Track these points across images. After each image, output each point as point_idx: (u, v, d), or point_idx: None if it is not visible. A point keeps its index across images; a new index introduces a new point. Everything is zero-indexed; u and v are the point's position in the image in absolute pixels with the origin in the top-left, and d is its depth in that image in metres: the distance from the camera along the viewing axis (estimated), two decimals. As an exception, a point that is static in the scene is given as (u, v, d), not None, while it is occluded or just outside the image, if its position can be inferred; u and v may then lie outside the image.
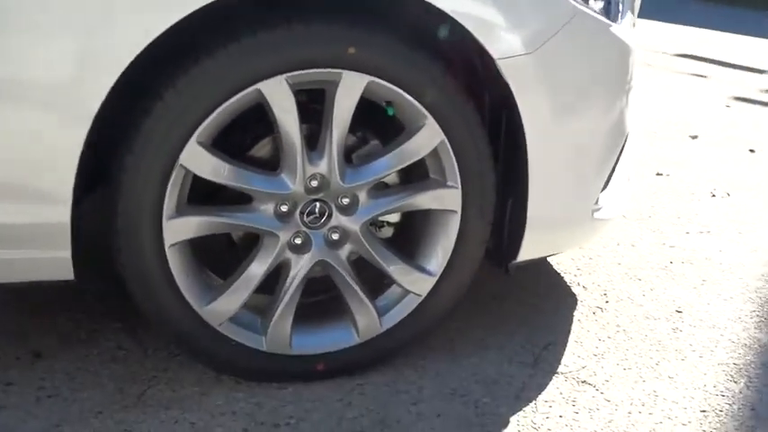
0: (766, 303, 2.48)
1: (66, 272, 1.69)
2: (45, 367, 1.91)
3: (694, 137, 4.16)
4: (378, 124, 1.89)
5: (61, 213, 1.62)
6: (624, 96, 2.03)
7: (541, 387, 1.98)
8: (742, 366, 2.12)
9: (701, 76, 5.59)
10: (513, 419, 1.85)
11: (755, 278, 2.63)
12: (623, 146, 2.10)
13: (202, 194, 1.78)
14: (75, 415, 1.75)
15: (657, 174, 3.58)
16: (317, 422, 1.78)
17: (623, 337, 2.23)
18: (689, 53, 6.30)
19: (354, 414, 1.82)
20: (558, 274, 2.55)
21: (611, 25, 1.94)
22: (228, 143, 1.77)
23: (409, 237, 1.97)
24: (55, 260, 1.67)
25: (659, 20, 7.38)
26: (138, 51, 1.54)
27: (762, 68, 5.80)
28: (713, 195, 3.36)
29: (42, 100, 1.55)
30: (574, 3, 1.85)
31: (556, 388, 1.98)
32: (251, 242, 1.85)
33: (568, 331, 2.24)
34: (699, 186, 3.45)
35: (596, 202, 2.06)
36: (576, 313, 2.33)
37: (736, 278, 2.62)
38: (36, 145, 1.56)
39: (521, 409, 1.88)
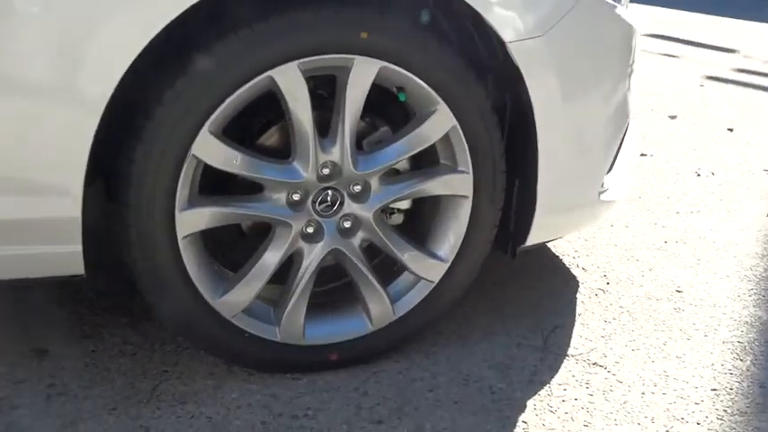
0: (762, 281, 2.50)
1: (76, 267, 1.65)
2: (52, 364, 1.87)
3: (673, 117, 4.19)
4: (386, 110, 1.86)
5: (72, 207, 1.58)
6: (628, 77, 2.03)
7: (553, 370, 1.98)
8: (746, 344, 2.14)
9: (673, 56, 5.63)
10: (529, 404, 1.84)
11: (749, 256, 2.65)
12: (627, 127, 2.11)
13: (212, 185, 1.75)
14: (89, 412, 1.72)
15: (642, 154, 3.60)
16: (334, 412, 1.77)
17: (628, 318, 2.24)
18: (660, 33, 6.35)
19: (371, 403, 1.80)
20: (557, 256, 2.56)
21: (616, 6, 1.94)
22: (236, 132, 1.74)
23: (419, 223, 1.95)
24: (66, 255, 1.63)
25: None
26: (148, 40, 1.50)
27: (732, 48, 5.86)
28: (698, 175, 3.39)
29: (51, 93, 1.50)
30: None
31: (568, 371, 1.98)
32: (261, 232, 1.82)
33: (573, 314, 2.24)
34: (683, 166, 3.48)
35: (602, 185, 2.06)
36: (578, 296, 2.34)
37: (730, 257, 2.65)
38: (46, 139, 1.52)
39: (536, 393, 1.88)
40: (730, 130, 4.04)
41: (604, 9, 1.91)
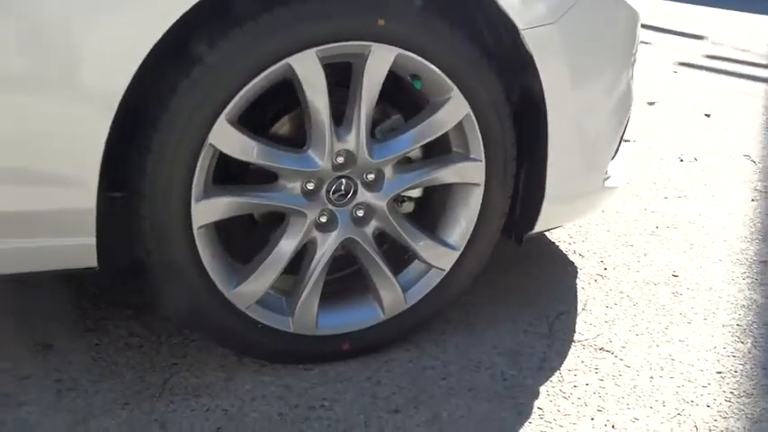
0: (754, 264, 2.55)
1: (89, 259, 1.61)
2: (58, 358, 1.83)
3: (651, 103, 4.23)
4: (396, 97, 1.85)
5: (87, 199, 1.54)
6: (633, 65, 2.04)
7: (562, 356, 1.99)
8: (745, 327, 2.18)
9: (646, 42, 5.68)
10: (542, 390, 1.86)
11: (739, 240, 2.70)
12: (629, 114, 2.12)
13: (223, 175, 1.72)
14: (100, 408, 1.69)
15: (624, 140, 3.62)
16: (350, 402, 1.76)
17: (629, 303, 2.26)
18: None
19: (386, 393, 1.80)
20: (553, 243, 2.57)
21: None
22: (248, 121, 1.71)
23: (429, 211, 1.95)
24: (80, 247, 1.59)
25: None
26: (163, 31, 1.46)
27: (702, 35, 5.94)
28: (681, 160, 3.43)
29: (67, 85, 1.46)
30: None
31: (576, 356, 1.99)
32: (273, 222, 1.80)
33: (575, 300, 2.26)
34: (666, 152, 3.52)
35: (606, 171, 2.07)
36: (578, 282, 2.36)
37: (720, 241, 2.69)
38: (61, 129, 1.48)
39: (547, 380, 1.90)
40: (707, 115, 4.10)
41: (612, -4, 1.92)
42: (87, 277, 2.07)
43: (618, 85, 1.99)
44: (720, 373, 1.98)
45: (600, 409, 1.81)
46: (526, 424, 1.74)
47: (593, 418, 1.78)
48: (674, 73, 4.95)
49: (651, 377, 1.94)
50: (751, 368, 2.00)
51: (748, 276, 2.46)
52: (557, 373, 1.92)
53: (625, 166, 2.31)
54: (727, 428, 1.77)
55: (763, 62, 5.31)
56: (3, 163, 1.47)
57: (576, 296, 2.28)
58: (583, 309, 2.20)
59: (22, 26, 1.41)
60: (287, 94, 1.69)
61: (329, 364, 1.87)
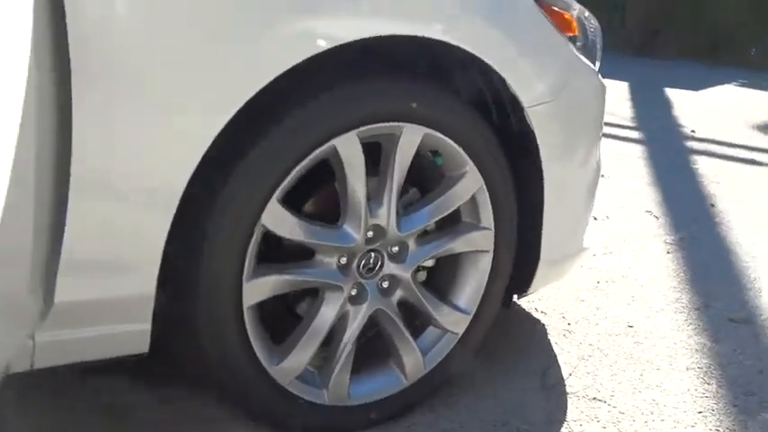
0: (691, 311, 2.81)
1: (142, 345, 1.62)
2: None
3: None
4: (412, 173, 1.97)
5: (147, 285, 1.56)
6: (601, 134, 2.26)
7: (563, 408, 2.14)
8: (706, 370, 2.41)
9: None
10: (559, 441, 1.99)
11: (671, 290, 2.97)
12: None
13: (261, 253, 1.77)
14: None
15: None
16: (389, 469, 1.82)
17: (600, 354, 2.44)
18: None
19: (420, 457, 1.88)
20: (516, 303, 2.73)
21: (596, 69, 2.16)
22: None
23: (440, 279, 2.06)
24: (133, 334, 1.60)
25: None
26: (219, 128, 1.53)
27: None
28: (595, 219, 3.71)
29: (134, 185, 1.50)
30: (575, 52, 2.05)
31: (575, 407, 2.14)
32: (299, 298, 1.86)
33: (553, 354, 2.42)
34: (578, 211, 3.79)
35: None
36: (550, 337, 2.52)
37: (655, 292, 2.94)
38: (129, 226, 1.50)
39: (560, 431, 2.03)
40: (602, 176, 4.43)
41: (589, 72, 2.13)
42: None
43: (595, 152, 2.20)
44: (701, 412, 2.18)
45: (614, 454, 1.97)
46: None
47: (611, 464, 1.93)
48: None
49: (645, 422, 2.11)
50: (724, 406, 2.22)
51: (690, 323, 2.72)
52: (565, 425, 2.06)
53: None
54: (725, 462, 1.97)
55: (631, 124, 5.81)
56: (77, 256, 1.47)
57: (553, 350, 2.44)
58: (564, 363, 2.37)
59: (103, 136, 1.44)
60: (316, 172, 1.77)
61: (357, 435, 1.93)
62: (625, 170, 4.58)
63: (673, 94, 7.28)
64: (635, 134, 5.62)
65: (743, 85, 8.13)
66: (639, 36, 9.44)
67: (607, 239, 3.44)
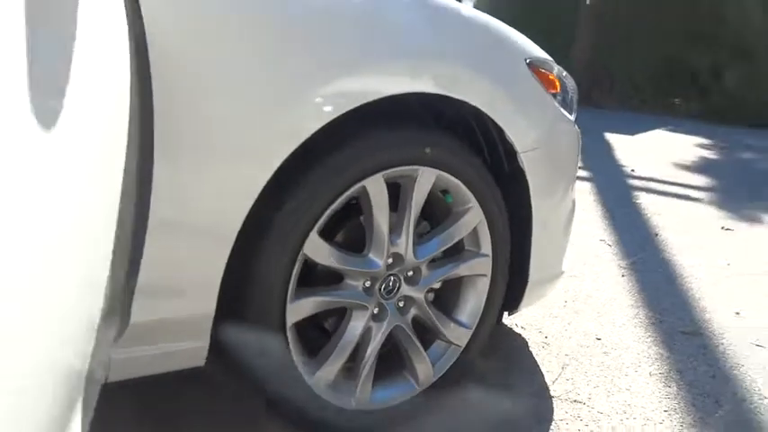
0: (647, 326, 2.93)
1: (200, 359, 1.68)
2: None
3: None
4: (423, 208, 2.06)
5: (208, 305, 1.62)
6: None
7: (549, 410, 2.23)
8: (666, 375, 2.52)
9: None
10: (549, 438, 2.08)
11: (630, 308, 3.09)
12: (573, 209, 2.45)
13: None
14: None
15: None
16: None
17: (576, 363, 2.55)
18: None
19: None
20: (499, 319, 2.83)
21: (572, 119, 2.29)
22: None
23: (445, 298, 2.15)
24: (194, 349, 1.66)
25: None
26: (270, 174, 1.59)
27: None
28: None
29: (198, 224, 1.56)
30: (557, 106, 2.17)
31: (560, 409, 2.24)
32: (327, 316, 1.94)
33: (535, 364, 2.52)
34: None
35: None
36: (531, 349, 2.62)
37: (617, 309, 3.06)
38: (193, 251, 1.57)
39: (549, 430, 2.12)
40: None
41: (569, 124, 2.25)
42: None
43: (573, 189, 2.32)
44: (667, 411, 2.29)
45: (598, 448, 2.06)
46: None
47: (597, 456, 2.02)
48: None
49: (621, 420, 2.21)
50: (685, 405, 2.33)
51: (649, 336, 2.83)
52: (553, 424, 2.15)
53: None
54: (692, 453, 2.07)
55: (580, 164, 5.98)
56: (151, 282, 1.53)
57: (535, 361, 2.54)
58: (547, 371, 2.46)
59: (177, 185, 1.51)
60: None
61: (376, 436, 2.00)
62: (578, 204, 4.72)
63: (612, 138, 7.51)
64: (584, 173, 5.80)
65: (671, 129, 8.41)
66: (583, 87, 9.72)
67: (570, 264, 3.55)
